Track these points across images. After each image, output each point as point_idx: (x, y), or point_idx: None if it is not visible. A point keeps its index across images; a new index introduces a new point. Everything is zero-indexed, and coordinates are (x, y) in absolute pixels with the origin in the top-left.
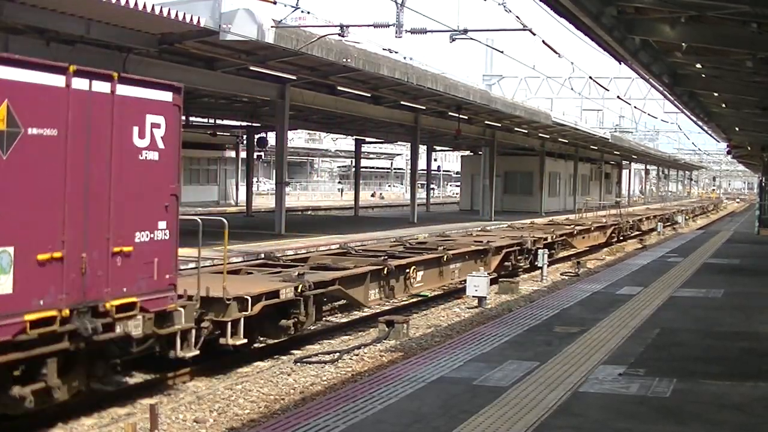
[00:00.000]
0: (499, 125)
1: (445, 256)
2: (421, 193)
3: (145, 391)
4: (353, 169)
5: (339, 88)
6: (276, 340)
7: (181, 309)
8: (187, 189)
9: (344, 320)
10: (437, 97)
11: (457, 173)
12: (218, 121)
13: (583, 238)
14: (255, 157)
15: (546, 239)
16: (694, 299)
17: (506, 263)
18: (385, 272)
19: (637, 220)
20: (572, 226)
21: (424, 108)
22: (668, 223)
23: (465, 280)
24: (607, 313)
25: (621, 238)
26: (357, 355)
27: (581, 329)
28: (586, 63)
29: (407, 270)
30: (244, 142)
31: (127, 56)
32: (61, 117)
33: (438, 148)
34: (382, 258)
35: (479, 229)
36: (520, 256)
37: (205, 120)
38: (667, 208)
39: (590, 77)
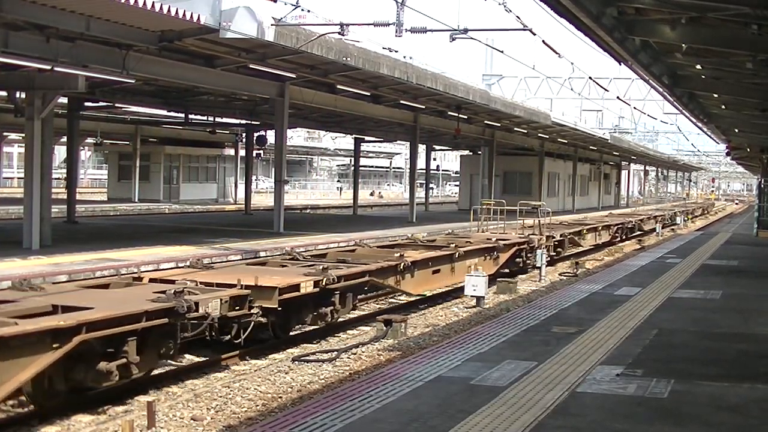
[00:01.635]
0: (499, 125)
1: None
2: (420, 193)
3: (143, 389)
4: (352, 168)
5: (339, 86)
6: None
7: None
8: (186, 187)
9: (342, 319)
10: (437, 97)
11: (456, 173)
12: (217, 119)
13: (438, 273)
14: (254, 155)
15: (320, 282)
16: (693, 300)
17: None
18: None
19: (573, 233)
20: (399, 255)
21: (423, 107)
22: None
23: None
24: (605, 313)
25: (525, 263)
26: (355, 353)
27: (579, 329)
28: (586, 63)
29: None
30: (244, 140)
31: (127, 53)
32: None
33: (437, 147)
34: None
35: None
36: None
37: (205, 118)
38: (637, 213)
39: (590, 78)
